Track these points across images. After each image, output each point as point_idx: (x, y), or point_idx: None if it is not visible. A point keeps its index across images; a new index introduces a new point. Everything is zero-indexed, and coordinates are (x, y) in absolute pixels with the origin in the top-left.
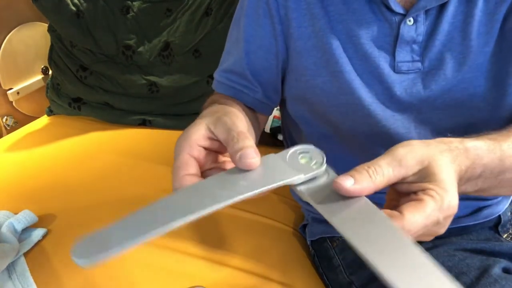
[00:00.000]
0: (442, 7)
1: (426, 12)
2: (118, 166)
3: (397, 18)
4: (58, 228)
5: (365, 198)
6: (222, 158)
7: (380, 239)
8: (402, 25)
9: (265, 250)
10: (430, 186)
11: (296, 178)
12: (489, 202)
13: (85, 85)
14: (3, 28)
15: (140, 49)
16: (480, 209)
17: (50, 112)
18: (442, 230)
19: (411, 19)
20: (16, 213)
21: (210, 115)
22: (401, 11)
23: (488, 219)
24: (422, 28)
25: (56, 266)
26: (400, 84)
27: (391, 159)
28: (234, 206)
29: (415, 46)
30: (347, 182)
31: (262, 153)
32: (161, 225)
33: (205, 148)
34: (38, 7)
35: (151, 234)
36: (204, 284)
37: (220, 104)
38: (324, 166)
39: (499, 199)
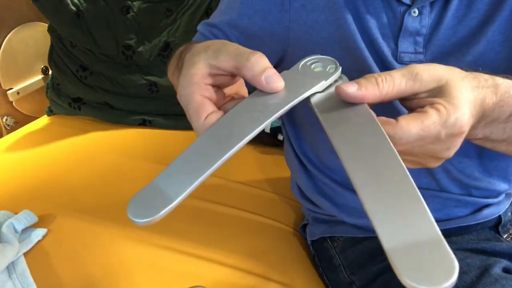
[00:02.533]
0: (447, 0)
1: (432, 4)
2: (118, 166)
3: (402, 8)
4: (58, 228)
5: (365, 105)
6: (228, 91)
7: (363, 144)
8: (406, 16)
9: (265, 250)
10: (439, 100)
11: (319, 86)
12: (489, 201)
13: (85, 85)
14: (3, 28)
15: (140, 49)
16: (480, 209)
17: (50, 112)
18: (447, 153)
19: (416, 10)
20: (16, 213)
21: (204, 50)
22: (406, 1)
23: (488, 219)
24: (427, 20)
25: (56, 266)
26: None
27: (406, 71)
28: (234, 206)
29: (419, 38)
30: (350, 87)
31: (262, 153)
32: (216, 158)
33: (213, 86)
34: (38, 7)
35: (210, 169)
36: (204, 284)
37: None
38: (340, 68)
39: (500, 199)
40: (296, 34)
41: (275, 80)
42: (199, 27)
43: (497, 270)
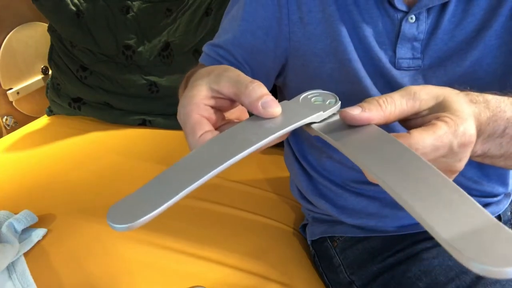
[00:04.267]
0: (444, 6)
1: (428, 10)
2: (118, 166)
3: (399, 15)
4: (58, 228)
5: (374, 125)
6: (228, 115)
7: (388, 157)
8: (403, 22)
9: (265, 250)
10: (443, 114)
11: (316, 115)
12: (489, 200)
13: (85, 85)
14: (3, 28)
15: (140, 49)
16: None
17: (50, 112)
18: (459, 165)
19: (413, 16)
20: (16, 213)
21: (206, 75)
22: (403, 8)
23: None
24: (424, 26)
25: (56, 266)
26: (401, 80)
27: (404, 92)
28: (234, 206)
29: (416, 44)
30: (355, 110)
31: (262, 153)
32: (198, 176)
33: (212, 107)
34: (38, 7)
35: (190, 186)
36: (204, 284)
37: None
38: (339, 103)
39: (499, 198)
40: (295, 45)
41: (271, 106)
42: (204, 48)
43: None
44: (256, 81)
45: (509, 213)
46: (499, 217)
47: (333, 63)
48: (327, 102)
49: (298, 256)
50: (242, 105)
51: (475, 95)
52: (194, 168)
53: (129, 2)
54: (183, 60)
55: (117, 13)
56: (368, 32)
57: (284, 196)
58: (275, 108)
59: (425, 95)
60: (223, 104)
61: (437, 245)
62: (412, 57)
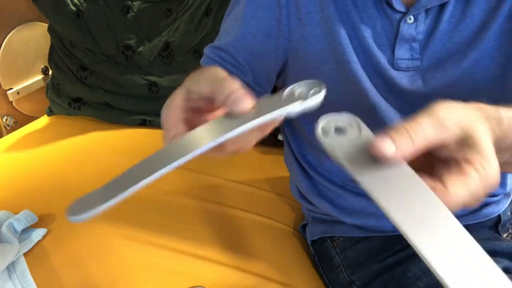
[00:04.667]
0: (442, 7)
1: (427, 11)
2: (118, 166)
3: (397, 16)
4: (58, 228)
5: (404, 163)
6: (210, 116)
7: (424, 216)
8: (402, 23)
9: (265, 250)
10: (474, 157)
11: (291, 106)
12: (488, 200)
13: (85, 85)
14: (3, 28)
15: (140, 49)
16: (479, 208)
17: (50, 112)
18: (475, 203)
19: (412, 17)
20: (16, 213)
21: (190, 79)
22: (402, 9)
23: (487, 218)
24: (422, 26)
25: (56, 266)
26: (400, 81)
27: (433, 119)
28: (234, 206)
29: (415, 45)
30: (388, 148)
31: (262, 153)
32: (151, 172)
33: (192, 109)
34: (38, 7)
35: (139, 183)
36: (204, 284)
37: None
38: (322, 93)
39: (498, 198)
40: (294, 46)
41: (241, 99)
42: (206, 51)
43: None
44: (228, 78)
45: (509, 213)
46: (499, 217)
47: (331, 64)
48: (311, 92)
49: (298, 256)
50: (218, 102)
51: (491, 112)
52: (150, 165)
53: (129, 2)
54: (183, 60)
55: (117, 13)
56: (367, 33)
57: (284, 196)
58: (244, 101)
59: (453, 124)
60: (203, 105)
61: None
62: (411, 57)
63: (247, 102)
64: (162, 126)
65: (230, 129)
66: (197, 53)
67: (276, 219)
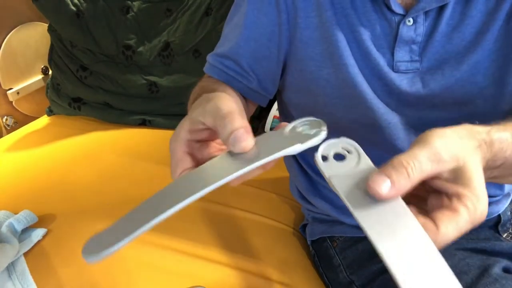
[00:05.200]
0: (441, 9)
1: (426, 13)
2: (118, 166)
3: (396, 18)
4: (58, 228)
5: (399, 198)
6: (217, 146)
7: (412, 254)
8: (401, 25)
9: (265, 250)
10: (465, 192)
11: (292, 148)
12: (488, 200)
13: (85, 85)
14: (3, 28)
15: (140, 49)
16: None
17: (50, 112)
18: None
19: (411, 19)
20: (16, 213)
21: (196, 107)
22: (401, 11)
23: (487, 218)
24: (422, 28)
25: (56, 266)
26: (400, 83)
27: (430, 153)
28: (234, 206)
29: (414, 47)
30: (383, 187)
31: None
32: (160, 213)
33: (198, 141)
34: (38, 7)
35: (151, 222)
36: (204, 284)
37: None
38: (323, 133)
39: (498, 198)
40: (294, 49)
41: (241, 140)
42: (209, 59)
43: (497, 270)
44: (231, 113)
45: (509, 213)
46: (498, 217)
47: (329, 68)
48: (313, 132)
49: (298, 256)
50: (221, 139)
51: (483, 136)
52: (157, 205)
53: (129, 2)
54: (183, 60)
55: (117, 13)
56: (366, 35)
57: (284, 196)
58: (244, 142)
59: (448, 157)
60: (210, 136)
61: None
62: (410, 59)
63: (247, 142)
64: (171, 156)
65: (234, 170)
66: (197, 53)
67: (276, 219)
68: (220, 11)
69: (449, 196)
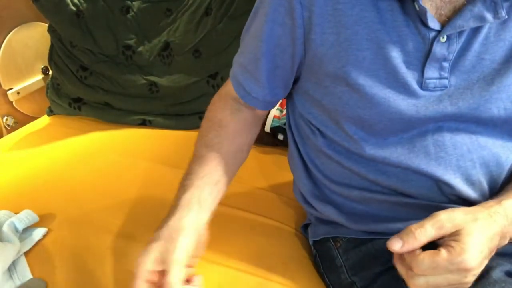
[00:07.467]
0: (477, 28)
1: (461, 31)
2: (118, 166)
3: (431, 34)
4: (58, 228)
5: None
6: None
7: None
8: (435, 42)
9: (265, 250)
10: (454, 243)
11: None
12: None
13: (85, 85)
14: (3, 28)
15: (140, 49)
16: None
17: (50, 112)
18: (466, 280)
19: (445, 36)
20: (17, 213)
21: (158, 239)
22: (436, 27)
23: None
24: (455, 46)
25: (56, 265)
26: (427, 101)
27: (434, 222)
28: (234, 206)
29: (445, 64)
30: (396, 244)
31: (262, 153)
32: None
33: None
34: (38, 7)
35: None
36: (204, 284)
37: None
38: None
39: None
40: (308, 62)
41: None
42: (234, 63)
43: (497, 272)
44: (177, 264)
45: None
46: None
47: (343, 87)
48: None
49: (299, 256)
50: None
51: (495, 208)
52: None
53: (129, 2)
54: (183, 60)
55: (117, 13)
56: (395, 52)
57: (285, 196)
58: None
59: (449, 223)
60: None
61: (438, 246)
62: (439, 76)
63: None
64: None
65: None
66: (197, 53)
67: (277, 219)
68: (220, 11)
69: (443, 245)
